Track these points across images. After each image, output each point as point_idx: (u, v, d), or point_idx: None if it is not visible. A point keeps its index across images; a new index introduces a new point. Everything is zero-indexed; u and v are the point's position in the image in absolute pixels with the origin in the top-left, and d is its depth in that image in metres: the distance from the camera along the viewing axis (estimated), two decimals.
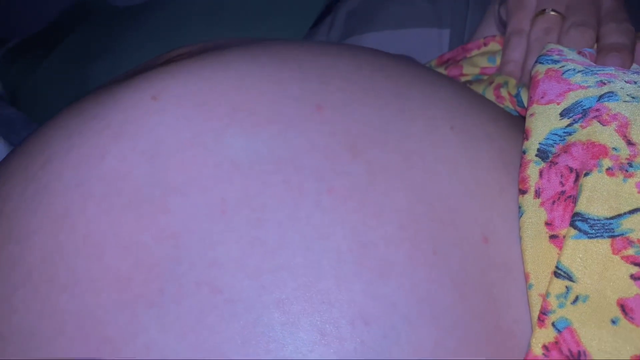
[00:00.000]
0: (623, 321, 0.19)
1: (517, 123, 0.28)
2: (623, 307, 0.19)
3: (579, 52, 0.29)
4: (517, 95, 0.30)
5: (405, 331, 0.19)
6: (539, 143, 0.23)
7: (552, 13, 0.35)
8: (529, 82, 0.28)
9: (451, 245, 0.20)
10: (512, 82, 0.32)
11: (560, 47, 0.28)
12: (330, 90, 0.23)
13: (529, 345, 0.20)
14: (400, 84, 0.25)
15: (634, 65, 0.29)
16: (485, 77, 0.36)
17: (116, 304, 0.19)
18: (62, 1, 0.88)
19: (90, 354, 0.19)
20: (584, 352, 0.19)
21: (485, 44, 0.39)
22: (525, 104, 0.29)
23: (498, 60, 0.37)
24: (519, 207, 0.22)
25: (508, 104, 0.31)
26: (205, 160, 0.20)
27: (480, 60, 0.38)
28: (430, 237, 0.20)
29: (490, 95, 0.32)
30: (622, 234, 0.20)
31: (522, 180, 0.23)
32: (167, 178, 0.20)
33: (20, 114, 0.66)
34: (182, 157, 0.20)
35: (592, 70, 0.25)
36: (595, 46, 0.32)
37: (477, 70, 0.37)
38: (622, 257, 0.19)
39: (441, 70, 0.39)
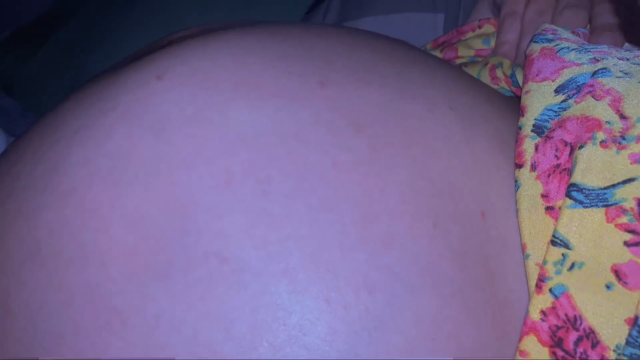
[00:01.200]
0: (617, 286, 0.20)
1: (512, 104, 0.29)
2: (617, 273, 0.20)
3: (573, 32, 0.29)
4: (512, 75, 0.31)
5: (407, 299, 0.19)
6: (535, 119, 0.24)
7: None
8: (524, 62, 0.29)
9: (450, 219, 0.21)
10: (507, 63, 0.33)
11: (555, 27, 0.28)
12: (332, 68, 0.24)
13: (527, 312, 0.20)
14: (400, 65, 0.26)
15: (625, 44, 0.30)
16: (480, 59, 0.37)
17: (124, 275, 0.19)
18: None
19: (99, 325, 0.19)
20: (580, 317, 0.20)
21: (479, 27, 0.39)
22: (520, 84, 0.30)
23: (492, 42, 0.38)
24: (515, 181, 0.23)
25: (503, 85, 0.32)
26: (210, 133, 0.21)
27: (475, 42, 0.38)
28: (430, 211, 0.21)
29: (485, 76, 0.33)
30: (616, 203, 0.20)
31: (518, 154, 0.23)
32: (173, 152, 0.21)
33: (16, 103, 0.66)
34: (187, 131, 0.21)
35: (585, 48, 0.26)
36: (589, 26, 0.33)
37: (472, 53, 0.38)
38: (616, 225, 0.20)
39: (436, 53, 0.40)
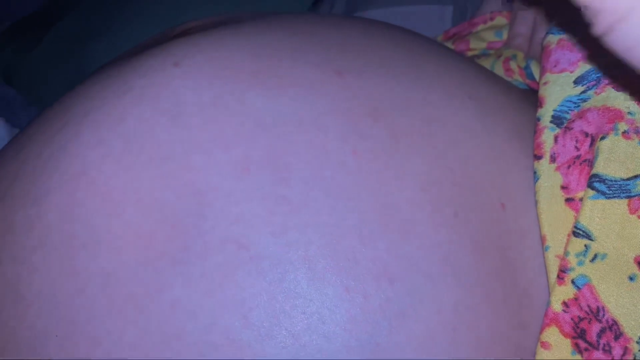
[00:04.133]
0: None
1: (528, 96, 0.29)
2: None
3: None
4: (527, 67, 0.31)
5: (428, 289, 0.19)
6: (554, 110, 0.24)
7: None
8: (540, 53, 0.29)
9: (470, 209, 0.21)
10: (520, 55, 0.32)
11: None
12: (348, 57, 0.24)
13: (548, 303, 0.20)
14: (416, 55, 0.26)
15: None
16: (492, 52, 0.37)
17: (139, 261, 0.19)
18: None
19: (114, 312, 0.19)
20: (603, 308, 0.19)
21: (491, 19, 0.39)
22: (535, 76, 0.30)
23: (505, 35, 0.37)
24: (534, 172, 0.23)
25: (517, 77, 0.32)
26: (228, 119, 0.21)
27: (487, 34, 0.38)
28: (451, 201, 0.21)
29: (499, 68, 0.32)
30: (639, 194, 0.20)
31: (537, 146, 0.23)
32: (190, 136, 0.20)
33: (18, 94, 0.66)
34: (205, 117, 0.21)
35: None
36: None
37: (484, 45, 0.38)
38: (639, 216, 0.20)
39: (448, 44, 0.40)
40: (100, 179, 0.20)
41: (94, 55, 0.76)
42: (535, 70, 0.30)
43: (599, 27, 0.16)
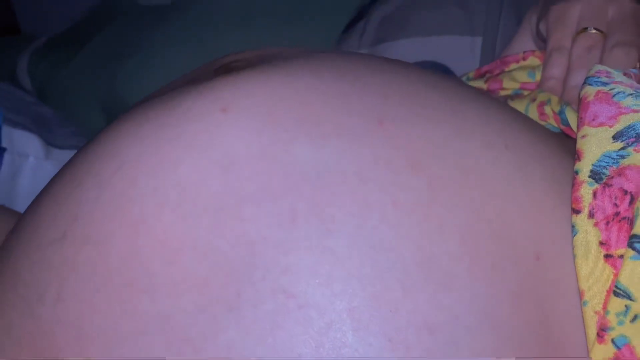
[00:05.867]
0: None
1: (564, 143, 0.29)
2: None
3: (625, 74, 0.29)
4: (561, 112, 0.31)
5: (467, 340, 0.20)
6: (592, 165, 0.24)
7: (594, 31, 0.35)
8: (577, 100, 0.29)
9: (507, 261, 0.21)
10: (555, 99, 0.33)
11: (608, 69, 0.29)
12: (391, 104, 0.24)
13: None
14: (455, 102, 0.26)
15: None
16: (525, 93, 0.37)
17: (196, 306, 0.20)
18: None
19: (172, 353, 0.20)
20: None
21: (524, 59, 0.40)
22: (569, 123, 0.30)
23: (538, 76, 0.38)
24: (572, 227, 0.23)
25: (552, 122, 0.32)
26: (275, 170, 0.21)
27: (519, 75, 0.38)
28: (488, 253, 0.21)
29: (533, 112, 0.33)
30: None
31: (575, 200, 0.24)
32: (241, 188, 0.21)
33: (55, 113, 0.67)
34: (254, 168, 0.21)
35: None
36: (638, 66, 0.33)
37: (517, 85, 0.38)
38: None
39: (480, 83, 0.40)
40: (159, 227, 0.21)
41: (126, 72, 0.78)
42: (569, 116, 0.30)
43: None
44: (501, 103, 0.29)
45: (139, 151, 0.23)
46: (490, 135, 0.25)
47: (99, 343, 0.20)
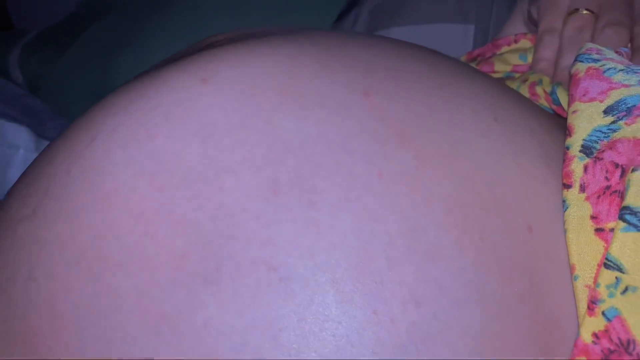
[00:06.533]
0: None
1: (555, 120, 0.29)
2: None
3: (616, 52, 0.29)
4: (553, 92, 0.31)
5: (454, 313, 0.19)
6: (583, 139, 0.24)
7: (585, 12, 0.35)
8: (568, 80, 0.29)
9: (497, 232, 0.21)
10: (546, 80, 0.33)
11: (599, 47, 0.28)
12: (377, 78, 0.24)
13: (577, 333, 0.20)
14: (444, 76, 0.26)
15: None
16: (517, 75, 0.37)
17: (173, 281, 0.19)
18: None
19: (148, 330, 0.19)
20: (633, 341, 0.20)
21: (515, 41, 0.39)
22: (561, 102, 0.30)
23: (529, 58, 0.38)
24: (564, 201, 0.23)
25: (543, 102, 0.32)
26: (257, 141, 0.21)
27: (511, 57, 0.38)
28: (477, 224, 0.21)
29: (525, 92, 0.33)
30: None
31: (566, 174, 0.23)
32: (220, 158, 0.20)
33: (45, 105, 0.67)
34: (234, 138, 0.21)
35: (632, 70, 0.26)
36: (629, 45, 0.33)
37: (508, 68, 0.38)
38: None
39: (472, 66, 0.40)
40: (133, 200, 0.20)
41: (119, 65, 0.77)
42: (561, 96, 0.30)
43: None
44: (492, 79, 0.29)
45: (113, 122, 0.22)
46: (479, 108, 0.24)
47: (73, 322, 0.20)
